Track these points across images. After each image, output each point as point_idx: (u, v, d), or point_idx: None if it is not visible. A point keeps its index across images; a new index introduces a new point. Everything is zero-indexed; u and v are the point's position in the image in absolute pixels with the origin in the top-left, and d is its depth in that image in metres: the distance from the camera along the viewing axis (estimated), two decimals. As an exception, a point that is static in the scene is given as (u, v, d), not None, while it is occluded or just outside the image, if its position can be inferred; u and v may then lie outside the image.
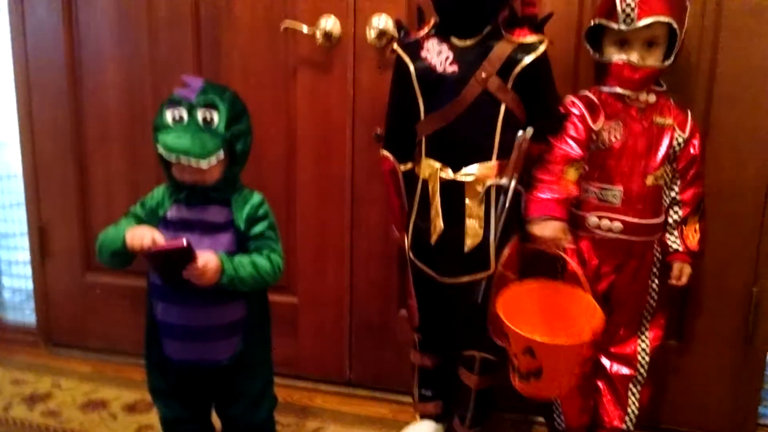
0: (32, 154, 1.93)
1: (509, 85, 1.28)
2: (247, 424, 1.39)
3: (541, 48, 1.28)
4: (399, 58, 1.36)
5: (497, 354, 1.42)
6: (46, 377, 1.87)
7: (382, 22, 1.56)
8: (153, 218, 1.27)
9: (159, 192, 1.29)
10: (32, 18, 1.84)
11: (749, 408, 1.57)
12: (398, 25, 1.43)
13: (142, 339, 1.34)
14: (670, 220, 1.41)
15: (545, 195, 1.31)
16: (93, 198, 1.91)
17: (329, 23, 1.59)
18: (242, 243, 1.26)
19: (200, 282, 1.16)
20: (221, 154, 1.19)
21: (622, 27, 1.27)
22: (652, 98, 1.34)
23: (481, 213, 1.32)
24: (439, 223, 1.34)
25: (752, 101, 1.43)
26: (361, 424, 1.67)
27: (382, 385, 1.79)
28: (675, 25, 1.26)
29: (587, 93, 1.37)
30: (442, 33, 1.32)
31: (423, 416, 1.58)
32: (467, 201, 1.32)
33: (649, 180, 1.34)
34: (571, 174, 1.32)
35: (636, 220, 1.35)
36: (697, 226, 1.40)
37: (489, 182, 1.30)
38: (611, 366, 1.46)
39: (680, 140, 1.36)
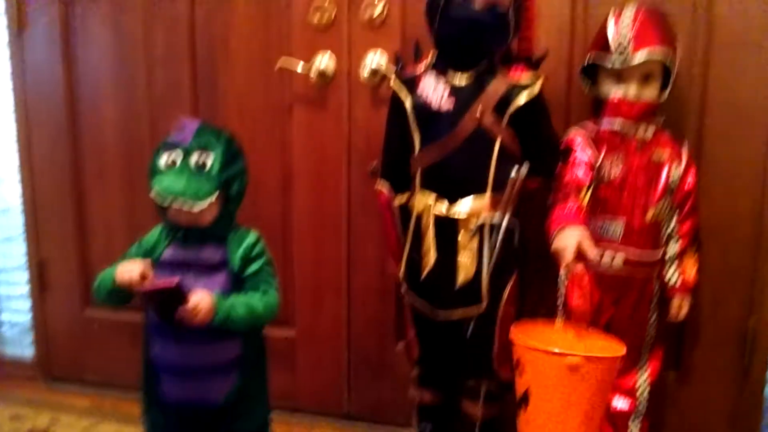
0: (32, 189, 1.92)
1: (504, 121, 1.28)
2: (246, 461, 1.36)
3: (537, 87, 1.28)
4: (395, 93, 1.36)
5: (502, 386, 1.41)
6: (45, 412, 1.84)
7: (375, 60, 1.56)
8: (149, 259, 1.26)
9: (155, 233, 1.28)
10: (32, 54, 1.84)
11: (748, 441, 1.55)
12: (396, 58, 1.43)
13: (142, 363, 1.32)
14: (669, 254, 1.39)
15: (560, 211, 1.29)
16: (91, 233, 1.90)
17: (324, 60, 1.60)
18: (238, 283, 1.25)
19: (193, 322, 1.14)
20: (215, 197, 1.18)
21: (617, 65, 1.27)
22: (650, 133, 1.33)
23: (474, 248, 1.30)
24: (431, 258, 1.33)
25: (743, 135, 1.42)
26: (359, 458, 1.65)
27: (381, 418, 1.76)
28: (668, 61, 1.27)
29: (584, 128, 1.37)
30: (439, 68, 1.32)
31: (423, 452, 1.56)
32: (460, 236, 1.31)
33: (649, 215, 1.33)
34: (584, 197, 1.30)
35: (636, 255, 1.33)
36: (695, 259, 1.39)
37: (482, 217, 1.29)
38: (612, 400, 1.43)
39: (676, 175, 1.35)
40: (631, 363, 1.42)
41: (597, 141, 1.34)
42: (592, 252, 1.21)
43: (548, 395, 1.18)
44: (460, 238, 1.31)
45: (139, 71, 1.77)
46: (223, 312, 1.18)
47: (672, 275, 1.39)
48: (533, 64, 1.32)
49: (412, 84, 1.34)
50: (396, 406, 1.69)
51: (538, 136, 1.34)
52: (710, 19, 1.41)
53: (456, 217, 1.30)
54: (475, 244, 1.31)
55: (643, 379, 1.43)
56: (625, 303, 1.38)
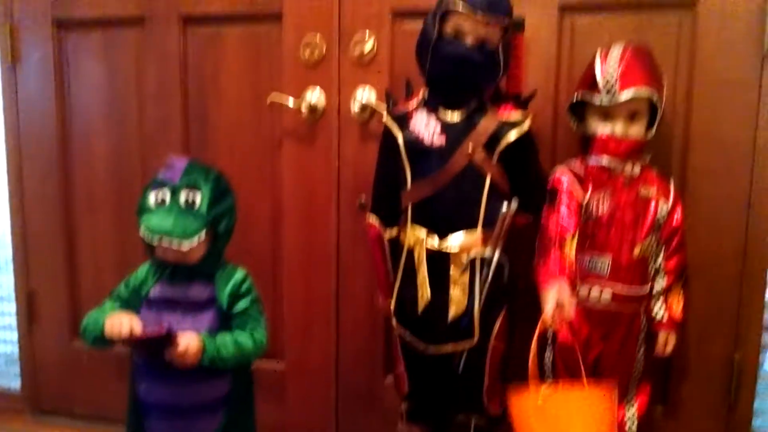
0: (22, 222, 1.89)
1: (494, 158, 1.29)
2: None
3: (526, 125, 1.29)
4: (387, 128, 1.36)
5: (492, 420, 1.41)
6: (31, 445, 1.82)
7: (365, 96, 1.57)
8: (136, 298, 1.24)
9: (143, 270, 1.27)
10: (24, 88, 1.83)
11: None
12: (387, 95, 1.43)
13: (128, 404, 1.30)
14: (655, 290, 1.38)
15: (546, 266, 1.29)
16: (81, 266, 1.88)
17: (314, 95, 1.61)
18: (225, 320, 1.24)
19: (182, 364, 1.14)
20: (203, 235, 1.17)
21: (604, 102, 1.28)
22: (637, 170, 1.33)
23: (466, 282, 1.30)
24: (426, 292, 1.32)
25: (726, 172, 1.42)
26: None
27: (369, 451, 1.74)
28: (655, 99, 1.27)
29: (571, 166, 1.37)
30: (430, 105, 1.33)
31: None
32: (452, 270, 1.30)
33: (637, 250, 1.32)
34: (569, 246, 1.30)
35: (624, 290, 1.33)
36: (681, 295, 1.38)
37: (473, 252, 1.29)
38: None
39: (664, 211, 1.35)
40: (619, 397, 1.41)
41: (584, 178, 1.34)
42: (570, 310, 1.23)
43: None
44: (451, 272, 1.30)
45: (130, 107, 1.76)
46: (212, 352, 1.17)
47: (658, 310, 1.38)
48: (522, 102, 1.33)
49: (403, 120, 1.35)
50: (385, 439, 1.67)
51: (527, 173, 1.35)
52: (694, 56, 1.42)
53: (448, 251, 1.30)
54: (466, 278, 1.30)
55: (631, 413, 1.42)
56: (613, 338, 1.36)
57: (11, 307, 1.99)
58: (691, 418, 1.52)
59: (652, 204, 1.34)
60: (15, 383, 2.03)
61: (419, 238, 1.32)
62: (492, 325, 1.34)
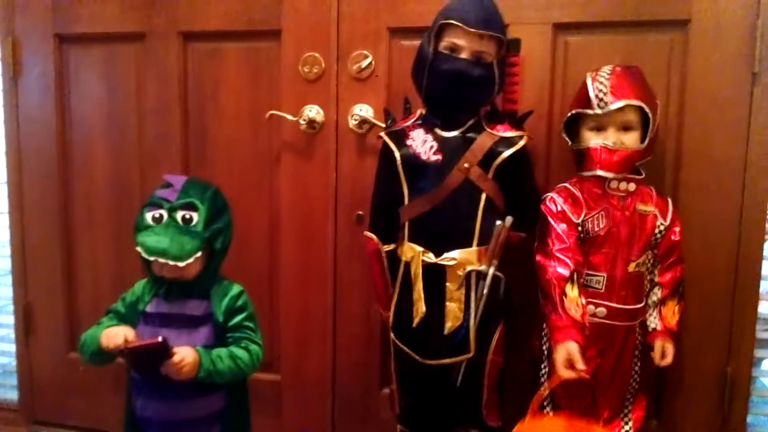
0: (21, 234, 1.87)
1: (490, 175, 1.29)
2: None
3: (521, 142, 1.29)
4: (385, 144, 1.36)
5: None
6: (27, 457, 1.80)
7: (363, 111, 1.57)
8: (133, 313, 1.24)
9: (139, 287, 1.27)
10: (25, 102, 1.82)
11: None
12: (386, 113, 1.44)
13: (124, 419, 1.29)
14: (650, 301, 1.39)
15: (556, 321, 1.28)
16: (78, 279, 1.86)
17: (312, 112, 1.61)
18: (221, 335, 1.23)
19: (178, 377, 1.13)
20: (199, 253, 1.17)
21: (598, 111, 1.28)
22: (632, 186, 1.33)
23: (462, 297, 1.30)
24: (421, 307, 1.31)
25: (717, 187, 1.43)
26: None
27: (365, 464, 1.72)
28: (647, 109, 1.27)
29: (567, 186, 1.37)
30: (427, 123, 1.33)
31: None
32: (448, 284, 1.30)
33: (632, 267, 1.32)
34: (572, 291, 1.29)
35: (619, 306, 1.32)
36: (676, 308, 1.38)
37: (469, 267, 1.28)
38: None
39: (662, 228, 1.35)
40: (615, 412, 1.40)
41: (578, 198, 1.34)
42: (579, 366, 1.24)
43: None
44: (447, 286, 1.30)
45: (130, 121, 1.76)
46: (207, 365, 1.16)
47: (653, 321, 1.38)
48: (518, 121, 1.34)
49: (401, 136, 1.35)
50: (381, 452, 1.66)
51: (521, 189, 1.35)
52: (685, 75, 1.43)
53: (444, 264, 1.29)
54: (462, 293, 1.30)
55: (627, 428, 1.40)
56: (609, 353, 1.35)
57: (8, 318, 1.97)
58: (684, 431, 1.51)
59: (649, 221, 1.34)
60: (12, 395, 2.01)
61: (416, 252, 1.31)
62: (489, 339, 1.34)
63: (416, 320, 1.32)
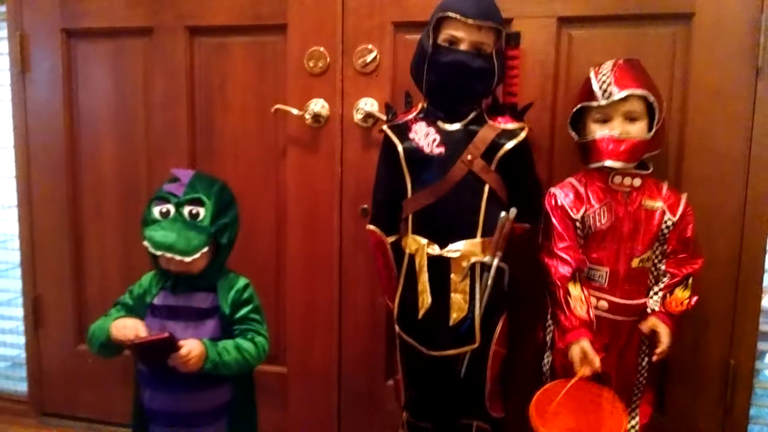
0: (29, 227, 1.89)
1: (493, 167, 1.30)
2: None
3: (522, 134, 1.30)
4: (388, 138, 1.37)
5: (493, 424, 1.41)
6: (36, 448, 1.80)
7: (368, 104, 1.58)
8: (141, 305, 1.24)
9: (146, 279, 1.27)
10: (34, 96, 1.84)
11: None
12: (387, 107, 1.45)
13: (132, 410, 1.30)
14: (656, 288, 1.35)
15: (566, 322, 1.29)
16: (87, 271, 1.88)
17: (317, 106, 1.61)
18: (227, 328, 1.24)
19: (185, 369, 1.14)
20: (206, 248, 1.18)
21: (602, 102, 1.27)
22: (637, 182, 1.31)
23: (466, 288, 1.30)
24: (426, 299, 1.32)
25: (720, 180, 1.43)
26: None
27: (371, 454, 1.73)
28: (651, 98, 1.26)
29: (571, 180, 1.36)
30: (429, 117, 1.34)
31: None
32: (452, 276, 1.30)
33: (635, 262, 1.31)
34: (575, 289, 1.29)
35: (622, 301, 1.32)
36: (685, 301, 1.32)
37: (473, 259, 1.29)
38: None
39: (669, 223, 1.31)
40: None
41: (581, 193, 1.33)
42: (594, 362, 1.25)
43: None
44: (452, 278, 1.30)
45: (138, 115, 1.77)
46: (214, 356, 1.17)
47: (653, 303, 1.34)
48: (519, 113, 1.34)
49: (404, 130, 1.35)
50: (386, 442, 1.66)
51: (523, 181, 1.36)
52: (688, 69, 1.43)
53: (449, 255, 1.30)
54: (467, 284, 1.30)
55: (634, 423, 1.40)
56: (613, 348, 1.35)
57: (18, 311, 1.98)
58: (688, 424, 1.51)
59: (656, 216, 1.31)
60: (21, 387, 2.03)
61: (421, 244, 1.32)
62: (492, 330, 1.34)
63: (422, 312, 1.33)
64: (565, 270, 1.30)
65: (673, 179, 1.45)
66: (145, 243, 1.15)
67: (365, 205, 1.59)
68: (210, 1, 1.67)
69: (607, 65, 1.31)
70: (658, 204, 1.32)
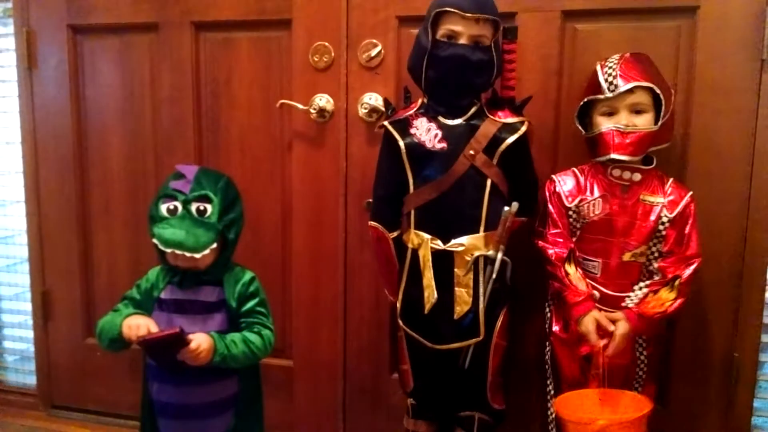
0: (38, 221, 1.90)
1: (494, 161, 1.30)
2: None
3: (523, 128, 1.31)
4: (389, 133, 1.37)
5: (495, 416, 1.42)
6: (46, 440, 1.81)
7: (373, 99, 1.58)
8: (148, 300, 1.25)
9: (153, 274, 1.28)
10: (41, 92, 1.85)
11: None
12: (386, 103, 1.45)
13: (140, 403, 1.31)
14: (641, 284, 1.32)
15: (572, 296, 1.31)
16: (95, 266, 1.89)
17: (322, 101, 1.62)
18: (234, 321, 1.25)
19: (195, 363, 1.15)
20: (215, 244, 1.18)
21: (608, 95, 1.27)
22: (637, 177, 1.30)
23: (470, 282, 1.31)
24: (432, 293, 1.32)
25: (724, 174, 1.42)
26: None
27: (376, 446, 1.74)
28: (657, 90, 1.26)
29: (575, 169, 1.37)
30: (430, 112, 1.34)
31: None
32: (456, 270, 1.31)
33: (627, 256, 1.31)
34: (571, 268, 1.32)
35: (614, 293, 1.32)
36: (667, 304, 1.27)
37: (477, 252, 1.30)
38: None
39: (665, 220, 1.30)
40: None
41: (579, 182, 1.34)
42: (608, 327, 1.27)
43: None
44: (456, 272, 1.31)
45: (144, 110, 1.78)
46: (222, 350, 1.18)
47: (630, 300, 1.31)
48: (518, 107, 1.35)
49: (405, 125, 1.35)
50: (391, 435, 1.67)
51: (523, 174, 1.37)
52: (693, 62, 1.42)
53: (453, 249, 1.30)
54: (470, 278, 1.31)
55: None
56: (609, 343, 1.32)
57: (27, 305, 2.00)
58: (691, 417, 1.52)
59: (654, 212, 1.30)
60: (30, 380, 2.05)
61: (424, 239, 1.32)
62: (494, 323, 1.35)
63: (428, 307, 1.33)
64: (559, 250, 1.33)
65: (677, 174, 1.44)
66: (154, 240, 1.16)
67: (370, 200, 1.59)
68: (215, -4, 1.67)
69: (614, 58, 1.31)
70: (659, 199, 1.31)
